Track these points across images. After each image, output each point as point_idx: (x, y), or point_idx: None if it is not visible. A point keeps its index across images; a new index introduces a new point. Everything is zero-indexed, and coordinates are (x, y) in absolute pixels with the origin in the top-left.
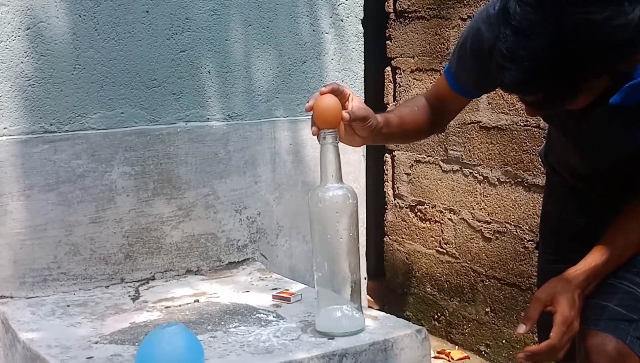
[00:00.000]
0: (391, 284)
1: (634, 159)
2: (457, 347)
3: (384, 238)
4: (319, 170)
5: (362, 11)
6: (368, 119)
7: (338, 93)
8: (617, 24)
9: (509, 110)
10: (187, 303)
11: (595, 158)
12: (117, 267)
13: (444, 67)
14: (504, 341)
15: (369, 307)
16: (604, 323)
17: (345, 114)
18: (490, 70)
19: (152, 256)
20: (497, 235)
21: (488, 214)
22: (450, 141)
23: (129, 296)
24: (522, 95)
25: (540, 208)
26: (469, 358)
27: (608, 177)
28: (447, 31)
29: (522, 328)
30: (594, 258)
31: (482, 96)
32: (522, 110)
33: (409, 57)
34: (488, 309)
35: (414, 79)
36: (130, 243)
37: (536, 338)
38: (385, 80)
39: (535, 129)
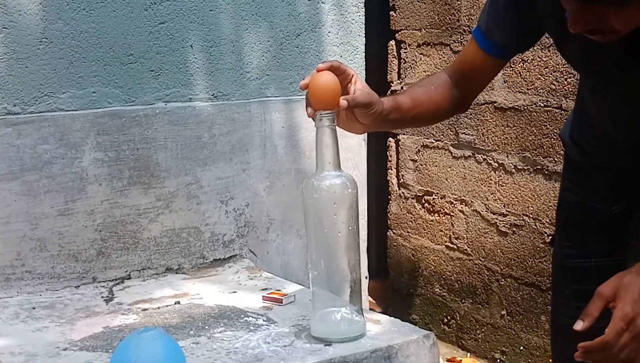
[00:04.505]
0: (395, 284)
1: None
2: (469, 354)
3: (388, 233)
4: (315, 156)
5: None
6: (372, 105)
7: (339, 72)
8: None
9: (527, 90)
10: (167, 305)
11: None
12: (88, 264)
13: (455, 42)
14: (521, 348)
15: (370, 309)
16: None
17: (342, 101)
18: (529, 22)
19: (128, 252)
20: (514, 229)
21: (504, 205)
22: (461, 124)
23: (102, 297)
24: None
25: None
26: None
27: None
28: (458, 1)
29: (579, 325)
30: None
31: (498, 74)
32: (541, 89)
33: (415, 30)
34: (504, 312)
35: (421, 54)
36: (103, 238)
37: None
38: (389, 56)
39: (557, 110)
